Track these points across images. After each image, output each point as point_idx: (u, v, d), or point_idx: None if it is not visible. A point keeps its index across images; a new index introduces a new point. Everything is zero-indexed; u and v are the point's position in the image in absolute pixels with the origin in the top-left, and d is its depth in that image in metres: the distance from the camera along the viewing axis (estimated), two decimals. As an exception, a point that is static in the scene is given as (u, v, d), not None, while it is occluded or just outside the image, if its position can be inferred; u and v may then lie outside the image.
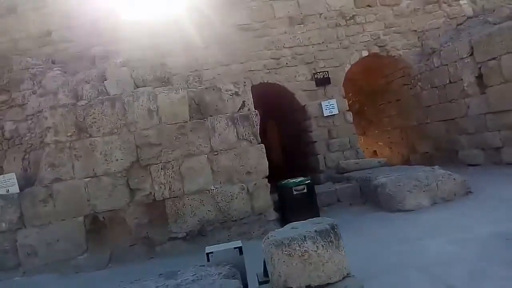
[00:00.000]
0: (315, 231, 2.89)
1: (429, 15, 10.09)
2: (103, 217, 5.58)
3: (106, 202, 5.58)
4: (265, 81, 9.21)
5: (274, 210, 5.95)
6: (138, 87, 6.36)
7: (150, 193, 5.64)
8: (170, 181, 5.67)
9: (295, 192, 6.07)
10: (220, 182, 5.78)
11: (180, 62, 8.78)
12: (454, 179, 6.01)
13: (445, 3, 10.19)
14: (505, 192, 5.84)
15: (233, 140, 5.93)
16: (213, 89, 6.33)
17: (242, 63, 9.22)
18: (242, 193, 5.79)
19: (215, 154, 5.87)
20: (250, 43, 9.29)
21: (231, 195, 5.74)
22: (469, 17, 10.01)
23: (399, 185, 5.91)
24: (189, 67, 8.95)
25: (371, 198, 6.60)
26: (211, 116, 6.05)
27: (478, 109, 8.00)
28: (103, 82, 6.40)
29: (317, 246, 2.66)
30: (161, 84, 6.66)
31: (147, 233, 5.62)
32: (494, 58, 7.40)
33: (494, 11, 9.46)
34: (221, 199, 5.71)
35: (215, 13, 9.10)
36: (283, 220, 5.98)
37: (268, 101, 9.87)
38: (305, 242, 2.66)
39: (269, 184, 5.92)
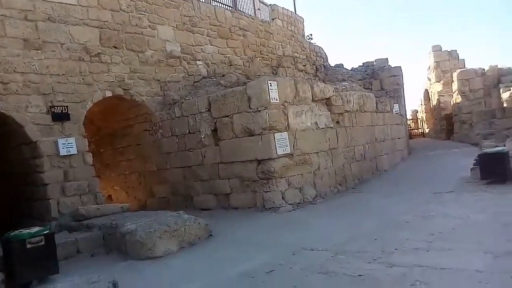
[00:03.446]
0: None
1: (171, 68, 10.82)
2: None
3: None
4: (-14, 107, 7.50)
5: (-2, 269, 4.69)
6: None
7: None
8: None
9: (29, 245, 4.98)
10: None
11: None
12: (199, 223, 6.38)
13: (185, 60, 11.20)
14: (238, 233, 6.64)
15: None
16: None
17: (-48, 80, 7.24)
18: (-50, 251, 4.32)
19: None
20: (-33, 58, 7.46)
21: None
22: (204, 77, 11.34)
23: (150, 231, 5.78)
24: None
25: (117, 246, 6.18)
26: None
27: (212, 158, 8.95)
28: None
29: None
30: None
31: None
32: (227, 116, 8.55)
33: (223, 75, 11.06)
34: None
35: None
36: (11, 280, 4.79)
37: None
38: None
39: (-7, 237, 4.67)
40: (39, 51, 8.35)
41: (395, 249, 4.75)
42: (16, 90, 7.95)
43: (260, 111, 7.98)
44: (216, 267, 5.03)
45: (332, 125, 9.61)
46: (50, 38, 8.53)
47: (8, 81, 7.86)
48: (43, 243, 5.12)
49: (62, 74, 8.63)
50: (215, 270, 4.91)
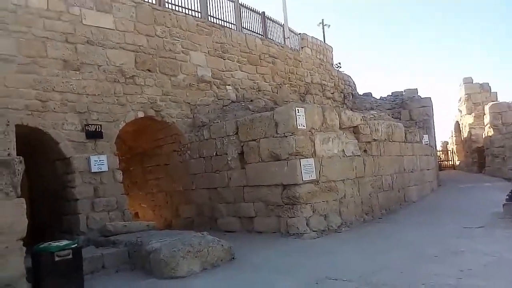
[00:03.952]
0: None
1: (202, 92, 11.10)
2: None
3: None
4: (25, 124, 7.86)
5: (27, 280, 4.82)
6: None
7: None
8: None
9: (57, 258, 5.12)
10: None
11: None
12: (222, 245, 6.39)
13: (215, 85, 11.48)
14: (261, 258, 6.59)
15: (-18, 189, 4.65)
16: (-42, 123, 4.95)
17: (-4, 97, 7.65)
18: (-16, 259, 4.48)
19: (-50, 207, 4.43)
20: (11, 77, 7.87)
21: (-34, 262, 4.35)
22: (233, 101, 11.56)
23: (174, 250, 5.83)
24: None
25: (141, 264, 6.24)
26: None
27: (238, 181, 9.01)
28: None
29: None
30: None
31: None
32: (254, 140, 8.64)
33: (252, 100, 11.24)
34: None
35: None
36: (38, 292, 4.92)
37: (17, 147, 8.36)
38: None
39: (24, 248, 4.82)
40: (77, 72, 8.75)
41: (422, 284, 4.60)
42: (54, 108, 8.32)
43: (287, 136, 8.03)
44: (237, 291, 5.01)
45: (359, 154, 9.54)
46: (88, 60, 8.94)
47: (47, 99, 8.25)
48: (70, 256, 5.25)
49: (98, 94, 8.99)
50: (237, 294, 4.89)
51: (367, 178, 9.66)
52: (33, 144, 8.74)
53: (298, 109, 8.14)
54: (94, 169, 8.51)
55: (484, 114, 18.83)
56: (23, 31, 8.08)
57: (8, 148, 5.14)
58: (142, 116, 9.77)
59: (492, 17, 61.93)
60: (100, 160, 8.62)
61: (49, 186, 9.19)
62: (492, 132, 17.53)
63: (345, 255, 6.38)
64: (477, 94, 22.12)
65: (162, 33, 10.43)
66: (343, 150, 9.02)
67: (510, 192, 8.55)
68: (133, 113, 9.60)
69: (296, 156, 7.95)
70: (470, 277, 4.72)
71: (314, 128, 8.37)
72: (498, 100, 20.25)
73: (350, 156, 9.21)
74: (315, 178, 8.14)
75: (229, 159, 9.18)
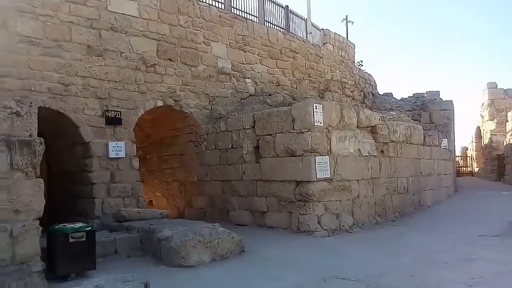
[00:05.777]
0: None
1: (221, 84, 11.14)
2: None
3: None
4: (48, 107, 8.03)
5: (41, 259, 4.96)
6: None
7: None
8: None
9: (71, 240, 5.25)
10: (-26, 220, 4.48)
11: None
12: (232, 237, 6.44)
13: (234, 77, 11.51)
14: (271, 253, 6.62)
15: (4, 168, 4.77)
16: (-18, 103, 5.07)
17: (21, 79, 7.83)
18: (2, 236, 4.62)
19: (-28, 183, 4.57)
20: (36, 59, 8.04)
21: (-14, 238, 4.50)
22: (251, 95, 11.57)
23: (185, 239, 5.90)
24: None
25: (152, 250, 6.36)
26: (-28, 134, 4.77)
27: (252, 175, 9.04)
28: None
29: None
30: None
31: None
32: (270, 134, 8.64)
33: (270, 95, 11.22)
34: (-31, 243, 4.39)
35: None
36: (51, 271, 5.05)
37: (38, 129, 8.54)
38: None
39: (40, 228, 4.95)
40: (100, 58, 8.88)
41: (431, 289, 4.58)
42: (76, 93, 8.47)
43: (303, 132, 8.01)
44: (245, 284, 5.05)
45: (376, 154, 9.44)
46: (111, 46, 9.05)
47: (69, 83, 8.40)
48: (84, 239, 5.38)
49: (119, 81, 9.11)
50: (244, 287, 4.93)
51: (382, 179, 9.56)
52: (53, 127, 8.93)
53: (315, 106, 8.09)
54: (112, 155, 8.67)
55: (507, 121, 18.40)
56: (50, 15, 8.22)
57: (30, 129, 5.25)
58: (161, 105, 9.87)
59: (522, 22, 60.16)
60: (118, 146, 8.76)
61: (67, 169, 9.39)
62: (514, 140, 17.13)
63: (355, 256, 6.36)
64: (500, 100, 21.62)
65: (185, 22, 10.48)
66: (359, 150, 8.94)
67: (528, 202, 8.36)
68: (153, 101, 9.71)
69: (311, 153, 7.92)
70: (480, 285, 4.66)
71: (331, 126, 8.32)
72: (522, 107, 19.78)
73: (366, 156, 9.13)
74: (329, 176, 8.10)
75: (244, 152, 9.21)
